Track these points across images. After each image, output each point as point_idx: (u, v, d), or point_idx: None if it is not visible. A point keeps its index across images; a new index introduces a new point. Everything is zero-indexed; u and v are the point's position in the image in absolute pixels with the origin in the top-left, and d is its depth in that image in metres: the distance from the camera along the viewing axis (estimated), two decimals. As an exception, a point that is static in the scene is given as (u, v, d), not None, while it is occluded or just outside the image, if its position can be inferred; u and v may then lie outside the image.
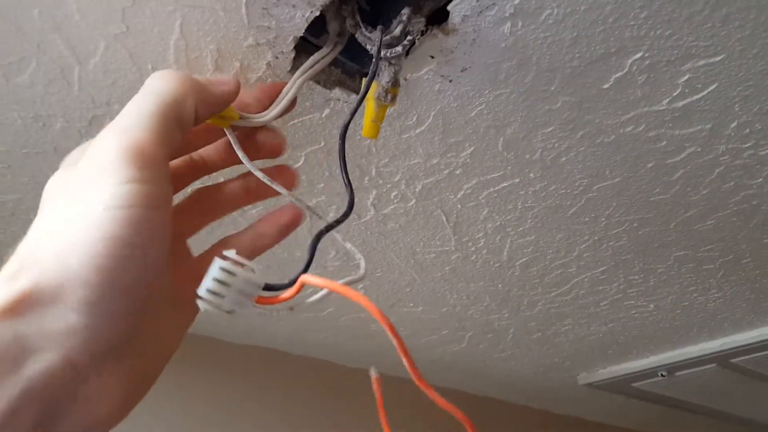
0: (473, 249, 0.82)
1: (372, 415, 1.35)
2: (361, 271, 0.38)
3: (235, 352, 1.15)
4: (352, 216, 0.72)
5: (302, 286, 0.32)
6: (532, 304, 0.98)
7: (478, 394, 1.46)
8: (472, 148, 0.61)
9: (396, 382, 1.34)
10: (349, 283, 0.32)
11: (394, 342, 0.30)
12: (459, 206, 0.71)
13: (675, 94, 0.54)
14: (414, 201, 0.70)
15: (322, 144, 0.59)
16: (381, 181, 0.66)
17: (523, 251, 0.82)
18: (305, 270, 0.34)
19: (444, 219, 0.74)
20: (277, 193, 0.41)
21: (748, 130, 0.58)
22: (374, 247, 0.81)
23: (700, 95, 0.54)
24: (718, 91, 0.53)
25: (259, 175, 0.40)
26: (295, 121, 0.55)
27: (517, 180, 0.66)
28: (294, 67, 0.48)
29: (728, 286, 0.93)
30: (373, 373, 0.38)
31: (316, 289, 0.32)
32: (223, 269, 0.30)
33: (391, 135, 0.58)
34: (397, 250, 0.82)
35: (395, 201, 0.70)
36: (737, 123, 0.57)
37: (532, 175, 0.65)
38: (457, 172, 0.65)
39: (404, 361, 0.30)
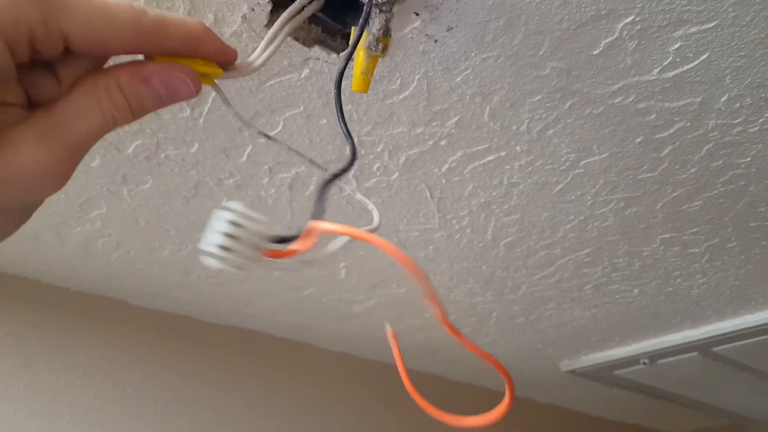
0: (457, 227, 0.80)
1: (354, 400, 1.33)
2: (375, 220, 0.35)
3: (213, 332, 1.13)
4: (333, 189, 0.70)
5: (317, 234, 0.30)
6: (516, 287, 0.97)
7: (461, 380, 1.45)
8: (458, 117, 0.59)
9: (380, 368, 1.33)
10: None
11: (421, 285, 0.27)
12: (443, 181, 0.70)
13: (666, 63, 0.52)
14: (397, 174, 0.68)
15: (302, 108, 0.56)
16: (363, 152, 0.64)
17: (508, 231, 0.81)
18: (315, 218, 0.32)
19: (428, 194, 0.73)
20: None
21: (738, 105, 0.57)
22: (356, 224, 0.79)
23: (691, 65, 0.52)
24: (709, 61, 0.52)
25: (264, 136, 0.37)
26: (272, 81, 0.53)
27: (503, 153, 0.65)
28: (270, 22, 0.46)
29: (713, 272, 0.92)
30: (389, 328, 0.36)
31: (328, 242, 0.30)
32: (230, 222, 0.27)
33: (373, 100, 0.56)
34: (381, 227, 0.80)
35: (378, 174, 0.68)
36: (728, 97, 0.56)
37: (518, 148, 0.64)
38: (442, 143, 0.63)
39: (434, 308, 0.28)
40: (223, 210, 0.27)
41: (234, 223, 0.27)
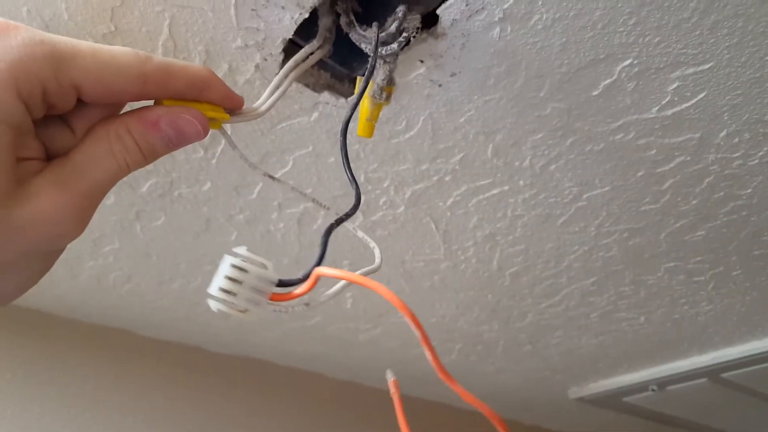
0: (463, 258, 0.81)
1: (360, 429, 1.32)
2: (377, 260, 0.36)
3: (221, 362, 1.14)
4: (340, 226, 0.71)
5: (318, 278, 0.31)
6: (522, 316, 0.98)
7: (468, 409, 1.44)
8: (462, 155, 0.60)
9: (386, 396, 1.33)
10: (365, 274, 0.32)
11: (417, 333, 0.29)
12: (448, 214, 0.71)
13: (664, 102, 0.54)
14: (403, 208, 0.69)
15: (311, 148, 0.58)
16: (370, 187, 0.65)
17: (513, 261, 0.82)
18: (319, 263, 0.33)
19: (433, 227, 0.74)
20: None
21: (737, 140, 0.59)
22: (362, 254, 0.80)
23: (689, 103, 0.54)
24: (707, 99, 0.54)
25: (269, 177, 0.39)
26: (284, 124, 0.55)
27: (507, 188, 0.66)
28: (282, 69, 0.48)
29: (719, 299, 0.92)
30: (390, 377, 0.37)
31: (332, 283, 0.31)
32: (234, 266, 0.29)
33: (380, 140, 0.58)
34: (386, 258, 0.81)
35: (384, 207, 0.69)
36: (726, 132, 0.58)
37: (521, 182, 0.65)
38: (447, 178, 0.64)
39: (428, 353, 0.29)
40: (229, 255, 0.29)
41: (238, 268, 0.29)
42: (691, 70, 0.50)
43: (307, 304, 0.33)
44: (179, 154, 0.59)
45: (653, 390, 1.21)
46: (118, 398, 1.00)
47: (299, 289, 0.31)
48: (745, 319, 1.00)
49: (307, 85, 0.50)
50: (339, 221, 0.38)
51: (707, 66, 0.50)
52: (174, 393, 1.07)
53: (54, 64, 0.26)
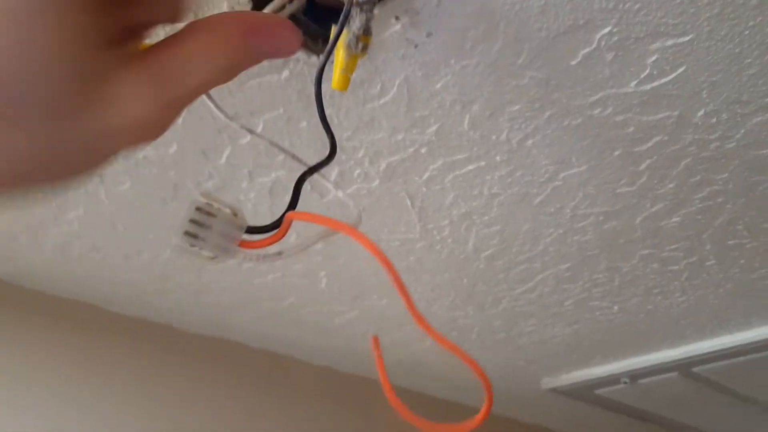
0: (438, 238, 0.80)
1: (335, 415, 1.30)
2: (354, 215, 0.35)
3: (191, 342, 1.11)
4: (314, 195, 0.70)
5: (290, 224, 0.29)
6: (497, 302, 0.97)
7: (442, 397, 1.43)
8: (438, 125, 0.59)
9: (354, 381, 1.31)
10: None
11: (391, 278, 0.27)
12: (424, 189, 0.70)
13: (643, 75, 0.53)
14: (378, 181, 0.68)
15: (281, 111, 0.56)
16: (344, 157, 0.64)
17: (489, 242, 0.81)
18: (290, 208, 0.31)
19: (409, 203, 0.72)
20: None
21: (715, 120, 0.58)
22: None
23: (668, 78, 0.53)
24: (686, 74, 0.53)
25: (247, 131, 0.37)
26: (252, 82, 0.53)
27: (483, 163, 0.65)
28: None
29: (692, 290, 0.92)
30: (371, 335, 0.36)
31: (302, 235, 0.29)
32: (199, 209, 0.27)
33: (354, 104, 0.56)
34: (363, 233, 0.80)
35: (359, 180, 0.68)
36: (704, 111, 0.57)
37: (498, 158, 0.64)
38: (423, 150, 0.63)
39: (403, 299, 0.28)
40: (197, 198, 0.27)
41: (205, 211, 0.27)
42: (670, 42, 0.50)
43: (279, 253, 0.31)
44: (145, 112, 0.57)
45: (625, 383, 1.21)
46: (84, 374, 0.98)
47: (271, 237, 0.29)
48: (717, 313, 1.00)
49: (278, 40, 0.48)
50: (312, 169, 0.37)
51: (687, 38, 0.49)
52: (142, 372, 1.04)
53: None
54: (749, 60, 0.51)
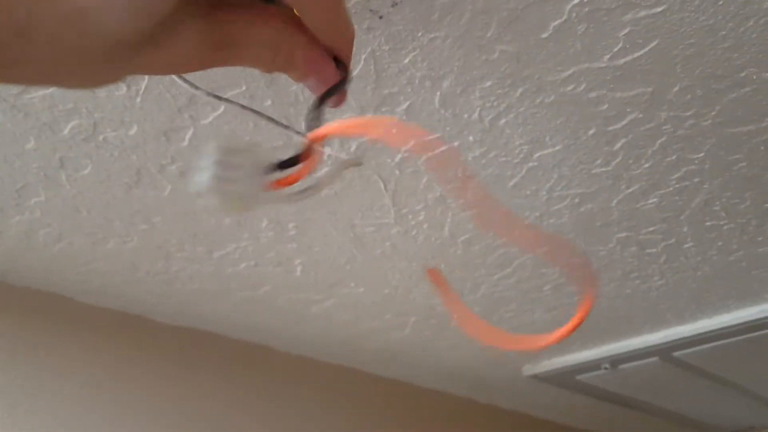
0: (414, 223, 0.78)
1: (313, 406, 1.28)
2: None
3: (165, 333, 1.09)
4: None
5: (313, 144, 0.25)
6: (476, 287, 0.96)
7: (423, 385, 1.43)
8: (408, 103, 0.57)
9: (333, 370, 1.30)
10: (348, 165, 0.27)
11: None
12: (397, 172, 0.68)
13: (616, 49, 0.51)
14: (349, 163, 0.66)
15: (244, 88, 0.54)
16: (312, 138, 0.62)
17: (465, 227, 0.79)
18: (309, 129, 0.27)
19: (382, 186, 0.71)
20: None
21: (689, 96, 0.57)
22: (310, 218, 0.77)
23: (641, 52, 0.52)
24: (659, 48, 0.51)
25: (215, 98, 0.34)
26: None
27: (456, 143, 0.63)
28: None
29: (671, 273, 0.92)
30: (427, 269, 0.33)
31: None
32: (224, 149, 0.23)
33: (319, 81, 0.54)
34: (335, 221, 0.78)
35: (329, 163, 0.66)
36: (679, 87, 0.56)
37: (471, 138, 0.62)
38: (393, 130, 0.61)
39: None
40: (209, 150, 0.24)
41: (231, 151, 0.24)
42: (643, 13, 0.48)
43: (313, 188, 0.27)
44: (100, 91, 0.54)
45: (606, 368, 1.21)
46: (54, 368, 0.95)
47: (302, 167, 0.26)
48: (696, 297, 1.00)
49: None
50: (336, 86, 0.28)
51: (660, 9, 0.48)
52: (114, 364, 1.02)
53: None
54: (723, 32, 0.50)
